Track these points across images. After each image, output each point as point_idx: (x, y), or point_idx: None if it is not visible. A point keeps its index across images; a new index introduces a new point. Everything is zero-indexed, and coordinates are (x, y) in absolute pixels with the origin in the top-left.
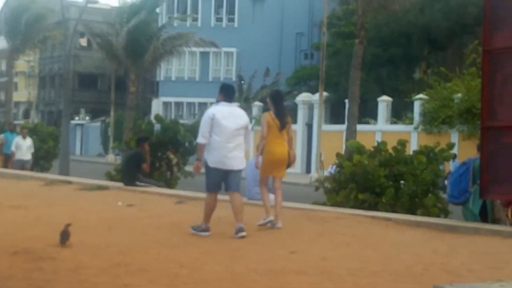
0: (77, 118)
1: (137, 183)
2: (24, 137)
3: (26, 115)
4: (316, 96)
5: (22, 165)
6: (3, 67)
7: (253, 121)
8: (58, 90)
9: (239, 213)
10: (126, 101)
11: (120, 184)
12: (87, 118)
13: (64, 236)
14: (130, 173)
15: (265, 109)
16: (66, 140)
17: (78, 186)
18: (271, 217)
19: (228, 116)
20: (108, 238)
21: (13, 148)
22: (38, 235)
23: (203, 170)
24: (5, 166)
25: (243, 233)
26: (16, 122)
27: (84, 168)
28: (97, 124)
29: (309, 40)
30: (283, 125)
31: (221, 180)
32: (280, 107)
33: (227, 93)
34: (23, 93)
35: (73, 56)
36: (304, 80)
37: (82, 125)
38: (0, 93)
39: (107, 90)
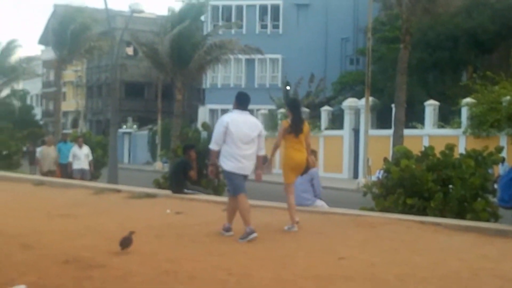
0: (124, 126)
1: (185, 190)
2: (80, 146)
3: (75, 124)
4: (362, 101)
5: (82, 174)
6: (52, 77)
7: None
8: (105, 99)
9: (247, 215)
10: (173, 109)
11: (168, 192)
12: (135, 126)
13: (126, 243)
14: (178, 180)
15: (311, 115)
16: (114, 149)
17: (127, 194)
18: (296, 227)
19: (242, 124)
20: (156, 246)
21: (70, 158)
22: (88, 243)
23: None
24: (62, 176)
25: (254, 235)
26: (64, 131)
27: (133, 176)
28: (144, 132)
29: (354, 45)
30: (299, 131)
31: (243, 181)
32: (297, 114)
33: (241, 101)
34: (71, 102)
35: (119, 65)
36: (349, 85)
37: (129, 133)
38: (49, 103)
39: (153, 99)
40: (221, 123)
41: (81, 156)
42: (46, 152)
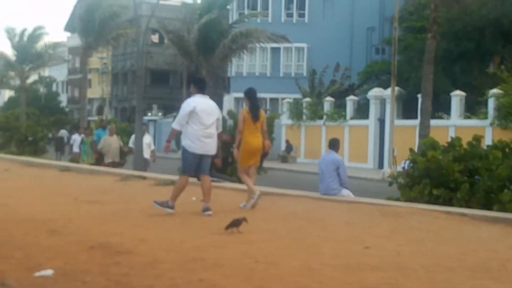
0: (149, 114)
1: (210, 178)
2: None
3: (100, 111)
4: (388, 91)
5: (145, 165)
6: (77, 64)
7: (325, 117)
8: (130, 87)
9: (207, 194)
10: None
11: (193, 179)
12: (160, 114)
13: (235, 224)
14: None
15: (337, 104)
16: (139, 136)
17: (152, 181)
18: (258, 192)
19: (206, 107)
20: (182, 233)
21: (131, 145)
22: (114, 230)
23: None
24: (98, 163)
25: (210, 212)
26: (89, 118)
27: (158, 164)
28: (169, 120)
29: (380, 35)
30: (256, 118)
31: (195, 164)
32: (254, 102)
33: (201, 86)
34: (97, 89)
35: (145, 53)
36: (375, 75)
37: (155, 121)
38: (75, 90)
39: (178, 86)
40: (187, 106)
41: (143, 145)
42: (109, 142)
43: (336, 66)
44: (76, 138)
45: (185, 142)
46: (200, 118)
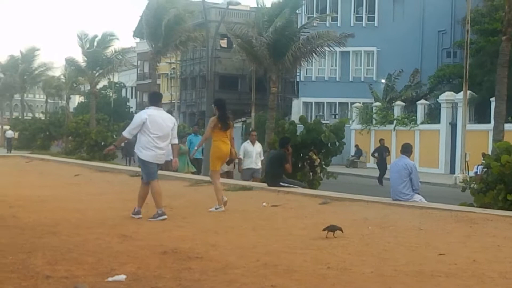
0: None
1: (281, 183)
2: (252, 143)
3: None
4: (460, 95)
5: (252, 174)
6: (146, 70)
7: (395, 121)
8: (199, 91)
9: (158, 199)
10: (266, 101)
11: (264, 185)
12: None
13: (332, 228)
14: (274, 173)
15: (408, 109)
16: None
17: (222, 187)
18: (223, 208)
19: (159, 119)
20: (253, 239)
21: (240, 155)
22: (185, 235)
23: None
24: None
25: (164, 217)
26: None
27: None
28: (238, 125)
29: (452, 38)
30: (226, 126)
31: (156, 168)
32: (224, 112)
33: (154, 99)
34: (166, 94)
35: (214, 58)
36: (446, 78)
37: None
38: (144, 95)
39: (247, 91)
40: (139, 117)
41: (253, 154)
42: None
43: (414, 71)
44: None
45: (140, 152)
46: (152, 129)
